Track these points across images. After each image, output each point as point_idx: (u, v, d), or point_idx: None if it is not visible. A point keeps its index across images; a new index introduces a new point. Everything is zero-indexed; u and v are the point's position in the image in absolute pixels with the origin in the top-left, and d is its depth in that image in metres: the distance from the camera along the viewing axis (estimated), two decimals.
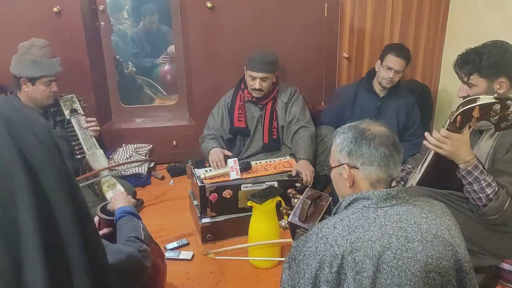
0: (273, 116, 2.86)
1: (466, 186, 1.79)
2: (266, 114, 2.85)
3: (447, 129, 1.73)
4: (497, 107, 1.59)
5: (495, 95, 1.58)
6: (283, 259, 1.81)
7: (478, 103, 1.60)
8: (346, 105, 2.96)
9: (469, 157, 1.75)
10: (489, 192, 1.75)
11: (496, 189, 1.76)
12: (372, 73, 2.93)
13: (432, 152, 1.85)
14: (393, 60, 2.76)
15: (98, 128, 2.64)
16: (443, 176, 1.84)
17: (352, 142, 1.28)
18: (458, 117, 1.64)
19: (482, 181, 1.75)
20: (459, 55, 1.95)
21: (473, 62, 1.86)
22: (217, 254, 2.31)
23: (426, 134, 1.84)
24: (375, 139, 1.26)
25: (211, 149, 2.77)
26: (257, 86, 2.72)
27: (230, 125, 2.89)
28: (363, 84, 2.95)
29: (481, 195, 1.76)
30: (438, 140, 1.77)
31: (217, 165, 2.63)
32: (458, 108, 1.67)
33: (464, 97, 1.96)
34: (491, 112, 1.60)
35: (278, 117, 2.86)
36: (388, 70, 2.78)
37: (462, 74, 1.92)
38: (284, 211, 1.83)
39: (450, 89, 3.36)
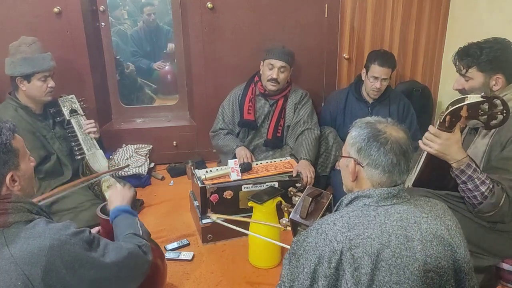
0: (281, 114, 2.87)
1: (461, 185, 1.78)
2: (275, 111, 2.87)
3: (437, 128, 1.73)
4: (486, 106, 1.59)
5: (482, 93, 1.59)
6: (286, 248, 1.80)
7: (466, 102, 1.61)
8: (337, 111, 2.98)
9: (460, 156, 1.73)
10: (483, 189, 1.74)
11: (491, 186, 1.74)
12: (359, 80, 2.93)
13: (425, 153, 1.83)
14: (378, 70, 2.75)
15: (95, 129, 2.60)
16: (437, 176, 1.83)
17: (364, 140, 1.28)
18: (447, 117, 1.65)
19: (476, 179, 1.73)
20: (460, 47, 1.95)
21: (473, 55, 1.87)
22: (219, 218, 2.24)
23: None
24: (386, 144, 1.25)
25: (236, 147, 2.78)
26: (274, 75, 2.74)
27: (239, 118, 2.89)
28: (352, 91, 2.96)
29: (476, 193, 1.75)
30: (427, 138, 1.77)
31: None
32: (447, 108, 1.68)
33: (459, 90, 1.96)
34: (480, 111, 1.60)
35: (286, 116, 2.88)
36: (375, 80, 2.77)
37: (461, 66, 1.92)
38: (285, 208, 1.84)
39: (451, 90, 3.34)
